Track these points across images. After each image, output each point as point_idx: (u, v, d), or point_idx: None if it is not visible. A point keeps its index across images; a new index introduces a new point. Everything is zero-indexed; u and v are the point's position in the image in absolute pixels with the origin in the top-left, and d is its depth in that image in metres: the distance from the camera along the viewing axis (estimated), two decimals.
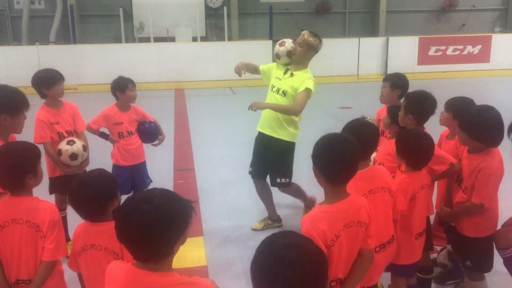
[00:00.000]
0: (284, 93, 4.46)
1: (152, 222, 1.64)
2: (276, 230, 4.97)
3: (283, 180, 4.66)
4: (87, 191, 2.35)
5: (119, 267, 1.83)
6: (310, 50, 4.47)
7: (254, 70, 4.97)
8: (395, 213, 2.84)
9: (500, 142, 3.03)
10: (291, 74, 4.51)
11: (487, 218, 3.15)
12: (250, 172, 4.89)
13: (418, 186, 2.97)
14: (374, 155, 3.49)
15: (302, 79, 4.39)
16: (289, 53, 4.56)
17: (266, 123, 4.61)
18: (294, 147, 4.65)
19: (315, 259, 1.50)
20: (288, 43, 4.60)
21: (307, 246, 1.53)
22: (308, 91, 4.33)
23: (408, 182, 2.94)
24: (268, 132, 4.60)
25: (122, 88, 4.43)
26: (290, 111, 4.41)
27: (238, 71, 4.86)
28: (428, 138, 3.01)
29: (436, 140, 3.14)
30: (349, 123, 2.76)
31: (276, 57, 4.69)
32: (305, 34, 4.47)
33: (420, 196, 2.99)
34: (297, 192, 4.90)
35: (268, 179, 4.82)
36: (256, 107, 4.35)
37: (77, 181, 2.43)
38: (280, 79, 4.55)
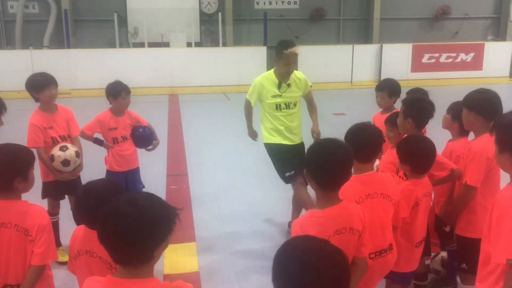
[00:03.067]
0: (295, 104, 4.59)
1: (135, 225, 1.62)
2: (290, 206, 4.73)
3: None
4: (91, 201, 2.28)
5: (96, 280, 1.80)
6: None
7: (251, 109, 4.79)
8: (397, 219, 2.82)
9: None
10: (288, 85, 4.51)
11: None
12: (284, 177, 4.60)
13: (421, 193, 2.95)
14: (377, 163, 3.48)
15: (303, 81, 4.61)
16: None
17: (295, 135, 4.62)
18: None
19: (337, 260, 1.49)
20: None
21: (328, 248, 1.52)
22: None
23: (411, 189, 2.92)
24: (298, 140, 4.68)
25: (115, 94, 4.39)
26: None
27: (252, 136, 4.96)
28: (428, 141, 3.01)
29: (437, 145, 3.13)
30: (352, 126, 2.77)
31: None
32: (296, 49, 4.39)
33: (423, 204, 2.97)
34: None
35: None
36: (319, 135, 4.64)
37: (83, 189, 2.38)
38: (281, 95, 4.49)
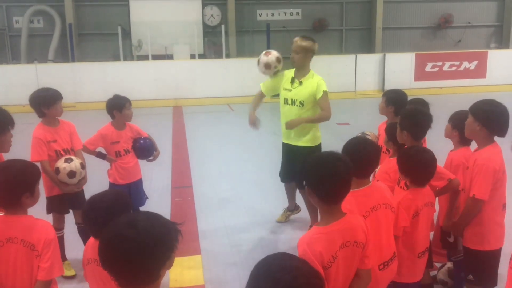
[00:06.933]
0: (302, 103, 4.62)
1: (136, 248, 1.57)
2: (297, 217, 4.85)
3: None
4: (98, 213, 2.30)
5: None
6: (308, 53, 4.64)
7: (261, 97, 5.06)
8: (397, 229, 2.82)
9: (506, 132, 3.06)
10: (300, 83, 4.64)
11: (492, 231, 3.13)
12: (280, 176, 5.16)
13: (421, 203, 2.94)
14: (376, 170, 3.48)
15: (315, 84, 4.58)
16: (278, 59, 4.80)
17: (290, 134, 4.79)
18: (320, 148, 4.78)
19: (311, 281, 1.46)
20: (273, 52, 4.87)
21: (302, 268, 1.49)
22: (326, 93, 4.56)
23: (411, 199, 2.92)
24: (293, 142, 4.80)
25: (119, 107, 4.41)
26: (323, 118, 4.64)
27: (253, 122, 5.02)
28: (429, 153, 3.00)
29: (439, 154, 3.13)
30: (349, 142, 2.74)
31: (266, 67, 4.82)
32: (298, 40, 4.66)
33: (424, 214, 2.95)
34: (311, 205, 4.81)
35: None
36: (292, 126, 4.59)
37: (89, 202, 2.39)
38: (290, 90, 4.69)
